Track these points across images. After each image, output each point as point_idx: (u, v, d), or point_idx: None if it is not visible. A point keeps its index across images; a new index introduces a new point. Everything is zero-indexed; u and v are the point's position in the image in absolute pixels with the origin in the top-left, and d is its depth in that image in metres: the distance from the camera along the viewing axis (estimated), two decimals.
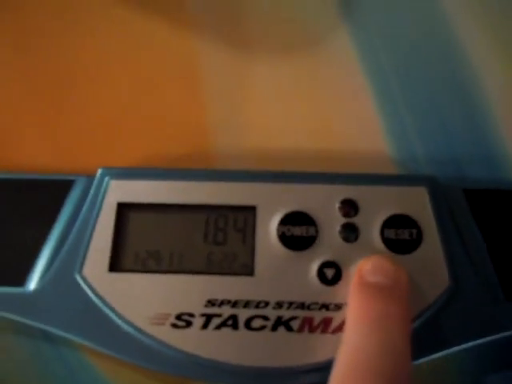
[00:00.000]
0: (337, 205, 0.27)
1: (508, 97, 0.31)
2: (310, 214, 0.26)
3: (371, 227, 0.26)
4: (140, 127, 0.31)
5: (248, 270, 0.26)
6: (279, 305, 0.25)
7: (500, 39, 0.32)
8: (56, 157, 0.31)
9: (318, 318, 0.25)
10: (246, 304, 0.25)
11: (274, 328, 0.25)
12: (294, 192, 0.27)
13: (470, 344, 0.25)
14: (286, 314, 0.25)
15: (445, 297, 0.25)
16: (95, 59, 0.32)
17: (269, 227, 0.26)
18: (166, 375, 0.27)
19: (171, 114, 0.31)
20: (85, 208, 0.27)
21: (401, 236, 0.26)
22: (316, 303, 0.25)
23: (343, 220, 0.26)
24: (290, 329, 0.25)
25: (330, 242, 0.26)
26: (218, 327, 0.25)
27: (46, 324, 0.26)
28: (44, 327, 0.26)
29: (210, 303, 0.25)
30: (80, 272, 0.26)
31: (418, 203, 0.26)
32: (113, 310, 0.25)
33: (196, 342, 0.25)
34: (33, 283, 0.26)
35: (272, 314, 0.25)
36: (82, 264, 0.26)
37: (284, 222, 0.26)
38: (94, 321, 0.25)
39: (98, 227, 0.26)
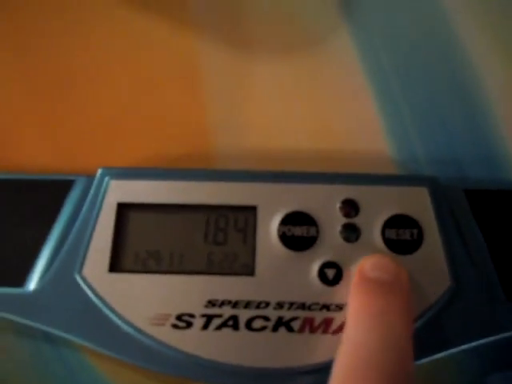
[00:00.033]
0: (337, 205, 0.27)
1: (508, 97, 0.31)
2: (310, 214, 0.26)
3: (372, 227, 0.26)
4: (140, 127, 0.31)
5: (248, 271, 0.26)
6: (280, 305, 0.25)
7: (500, 39, 0.32)
8: (56, 157, 0.31)
9: (318, 319, 0.25)
10: (247, 304, 0.25)
11: (275, 328, 0.25)
12: (294, 192, 0.27)
13: (472, 344, 0.25)
14: (286, 314, 0.25)
15: (446, 297, 0.25)
16: (95, 59, 0.32)
17: (269, 227, 0.26)
18: (167, 376, 0.27)
19: (171, 114, 0.31)
20: (85, 208, 0.27)
21: (402, 236, 0.26)
22: (317, 303, 0.25)
23: (344, 220, 0.26)
24: (290, 329, 0.25)
25: (331, 242, 0.26)
26: (219, 328, 0.25)
27: (46, 324, 0.26)
28: (44, 328, 0.26)
29: (211, 303, 0.25)
30: (80, 272, 0.26)
31: (418, 203, 0.26)
32: (113, 310, 0.25)
33: (196, 343, 0.25)
34: (33, 283, 0.26)
35: (273, 314, 0.25)
36: (82, 264, 0.26)
37: (285, 222, 0.26)
38: (94, 321, 0.25)
39: (98, 227, 0.26)
